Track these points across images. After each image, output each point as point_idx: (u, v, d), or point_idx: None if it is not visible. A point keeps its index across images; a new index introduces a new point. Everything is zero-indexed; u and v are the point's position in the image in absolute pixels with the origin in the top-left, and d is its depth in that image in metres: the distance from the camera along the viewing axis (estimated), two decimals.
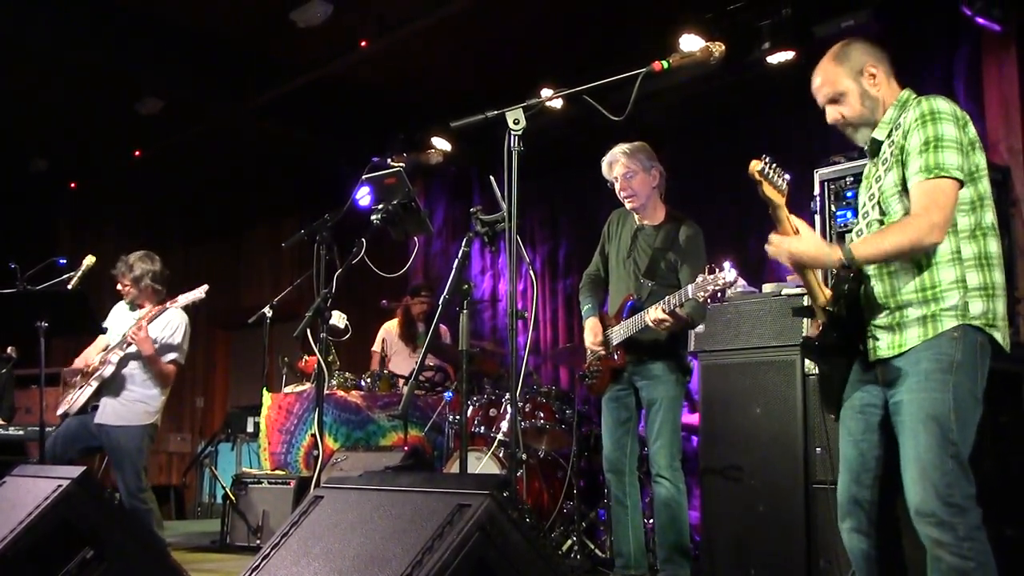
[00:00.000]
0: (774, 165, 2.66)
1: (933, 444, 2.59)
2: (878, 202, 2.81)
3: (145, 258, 5.35)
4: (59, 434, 5.25)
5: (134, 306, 5.39)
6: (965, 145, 2.69)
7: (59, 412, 5.33)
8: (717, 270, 3.82)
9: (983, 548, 2.56)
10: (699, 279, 3.86)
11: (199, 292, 5.20)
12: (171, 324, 5.28)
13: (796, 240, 2.75)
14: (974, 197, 2.71)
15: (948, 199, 2.64)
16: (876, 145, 2.86)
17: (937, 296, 2.68)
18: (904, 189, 2.72)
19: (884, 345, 2.76)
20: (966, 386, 2.64)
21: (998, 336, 2.71)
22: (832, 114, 2.90)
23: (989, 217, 2.74)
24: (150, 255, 5.38)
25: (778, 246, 2.77)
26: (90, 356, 5.39)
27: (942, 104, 2.72)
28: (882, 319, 2.77)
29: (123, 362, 5.20)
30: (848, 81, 2.84)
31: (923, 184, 2.64)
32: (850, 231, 4.54)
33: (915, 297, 2.71)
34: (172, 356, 5.28)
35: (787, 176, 2.71)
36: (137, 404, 5.20)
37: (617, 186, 4.39)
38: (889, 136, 2.81)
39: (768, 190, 2.68)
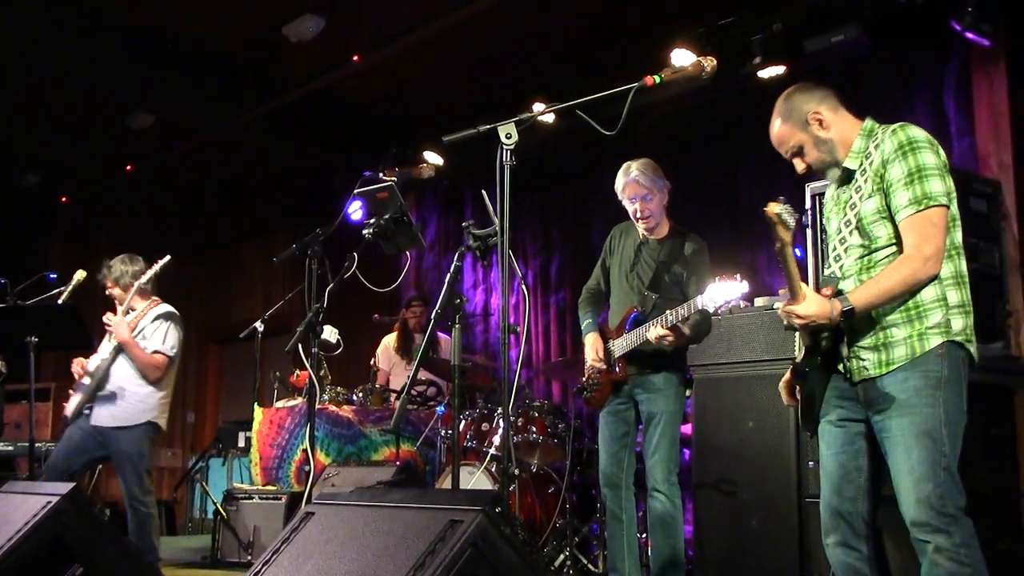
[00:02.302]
0: (787, 206, 2.74)
1: (926, 458, 2.67)
2: (856, 228, 2.89)
3: (128, 259, 5.29)
4: (59, 447, 5.14)
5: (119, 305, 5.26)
6: (943, 169, 2.80)
7: (67, 413, 5.19)
8: (729, 280, 3.81)
9: (978, 556, 2.65)
10: (709, 290, 3.85)
11: (162, 262, 5.14)
12: (152, 315, 5.21)
13: (801, 305, 2.80)
14: (947, 219, 2.80)
15: (938, 228, 2.76)
16: (848, 174, 2.96)
17: (921, 314, 2.77)
18: (887, 215, 2.82)
19: (870, 365, 2.84)
20: (954, 400, 2.74)
21: (973, 350, 2.82)
22: (799, 166, 3.03)
23: (959, 236, 2.86)
24: (130, 255, 5.32)
25: (789, 312, 2.83)
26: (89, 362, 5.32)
27: (916, 132, 2.83)
28: (867, 340, 2.85)
29: (113, 356, 5.11)
30: (799, 134, 2.97)
31: (912, 219, 2.75)
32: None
33: (900, 317, 2.80)
34: (154, 347, 5.15)
35: (797, 215, 2.80)
36: (132, 404, 5.10)
37: (634, 207, 4.36)
38: (861, 165, 2.91)
39: (781, 231, 2.74)
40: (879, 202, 2.82)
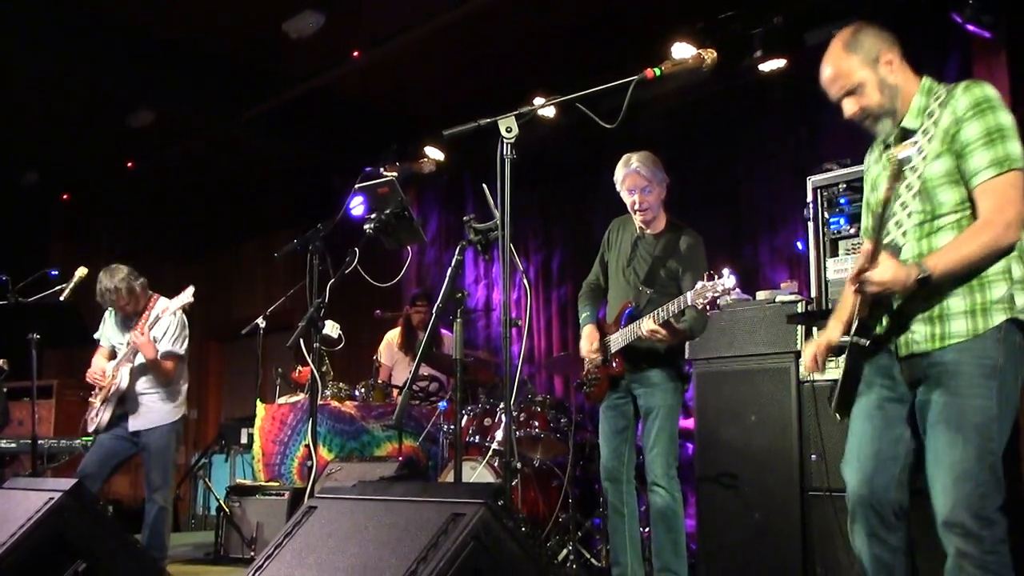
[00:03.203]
0: (910, 154, 2.55)
1: (972, 454, 2.50)
2: (919, 192, 2.67)
3: (114, 272, 5.29)
4: (93, 453, 5.30)
5: (133, 315, 5.34)
6: (1015, 130, 2.60)
7: (90, 429, 5.38)
8: (716, 276, 3.80)
9: (1005, 561, 2.50)
10: (698, 286, 3.83)
11: (187, 295, 5.20)
12: (161, 325, 5.29)
13: (878, 270, 2.57)
14: None
15: (1019, 191, 2.55)
16: (904, 134, 2.73)
17: (984, 285, 2.58)
18: (956, 179, 2.62)
19: (921, 338, 2.64)
20: (1008, 392, 2.56)
21: None
22: (850, 107, 2.77)
23: None
24: (109, 269, 5.33)
25: (865, 279, 2.59)
26: (99, 367, 5.37)
27: (991, 90, 2.63)
28: (921, 310, 2.64)
29: (134, 373, 5.25)
30: (864, 71, 2.73)
31: (992, 182, 2.55)
32: (843, 237, 4.58)
33: (961, 287, 2.59)
34: (166, 347, 5.31)
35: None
36: (162, 404, 5.31)
37: (633, 198, 4.35)
38: (923, 125, 2.69)
39: (896, 180, 2.54)
40: (948, 164, 2.61)
